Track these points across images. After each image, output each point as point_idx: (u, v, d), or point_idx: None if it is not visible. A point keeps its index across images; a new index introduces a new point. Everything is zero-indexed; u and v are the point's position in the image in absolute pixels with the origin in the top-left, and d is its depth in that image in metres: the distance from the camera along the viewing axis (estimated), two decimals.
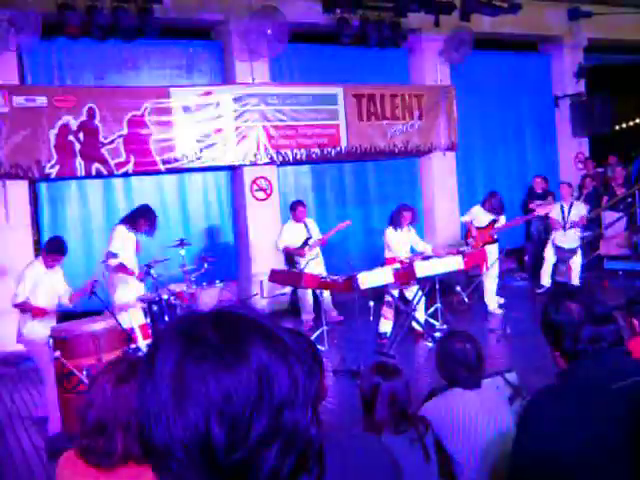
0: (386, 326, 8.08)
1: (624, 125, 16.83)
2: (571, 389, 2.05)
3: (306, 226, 8.98)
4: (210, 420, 0.84)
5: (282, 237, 8.98)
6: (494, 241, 9.34)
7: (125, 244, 7.31)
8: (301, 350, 0.94)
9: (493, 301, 9.32)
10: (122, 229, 7.37)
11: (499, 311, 9.14)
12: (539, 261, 10.52)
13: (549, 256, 10.25)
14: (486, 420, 3.05)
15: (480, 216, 9.30)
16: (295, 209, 9.01)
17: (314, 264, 8.68)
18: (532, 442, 2.00)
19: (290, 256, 9.25)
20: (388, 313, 8.07)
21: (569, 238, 10.00)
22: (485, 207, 9.28)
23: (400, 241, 8.32)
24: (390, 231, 8.33)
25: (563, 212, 10.08)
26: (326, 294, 8.79)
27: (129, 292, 7.25)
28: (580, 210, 10.09)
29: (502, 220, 9.41)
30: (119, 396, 1.87)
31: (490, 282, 9.26)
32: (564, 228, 9.97)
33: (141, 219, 7.37)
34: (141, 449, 0.91)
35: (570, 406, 1.97)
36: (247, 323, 0.93)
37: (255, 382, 0.86)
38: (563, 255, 10.16)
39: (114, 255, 7.18)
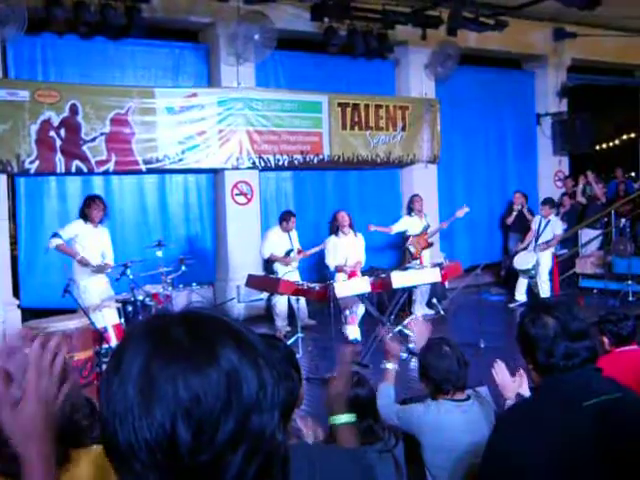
0: (354, 332, 8.15)
1: (604, 145, 17.06)
2: (542, 405, 2.06)
3: (289, 236, 8.97)
4: (177, 421, 0.83)
5: (267, 244, 8.93)
6: (430, 245, 9.98)
7: (80, 235, 7.51)
8: (271, 355, 0.93)
9: (422, 308, 9.64)
10: (79, 222, 7.60)
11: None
12: (516, 276, 10.62)
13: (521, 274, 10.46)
14: (464, 431, 3.07)
15: (413, 225, 9.76)
16: (288, 219, 8.91)
17: (291, 276, 8.67)
18: (501, 457, 2.01)
19: (270, 263, 9.18)
20: (352, 319, 8.14)
21: (524, 258, 10.26)
22: (411, 214, 9.90)
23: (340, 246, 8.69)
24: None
25: (539, 227, 10.25)
26: (302, 302, 8.79)
27: (95, 284, 7.30)
28: (556, 228, 10.23)
29: (433, 225, 10.15)
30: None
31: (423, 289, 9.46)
32: (535, 241, 10.20)
33: (87, 208, 7.54)
34: (104, 448, 0.89)
35: (540, 422, 1.98)
36: (218, 325, 0.92)
37: (224, 385, 0.85)
38: (527, 274, 10.39)
39: (54, 235, 7.45)
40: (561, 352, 2.08)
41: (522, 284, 10.42)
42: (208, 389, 0.84)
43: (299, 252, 8.94)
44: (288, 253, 8.89)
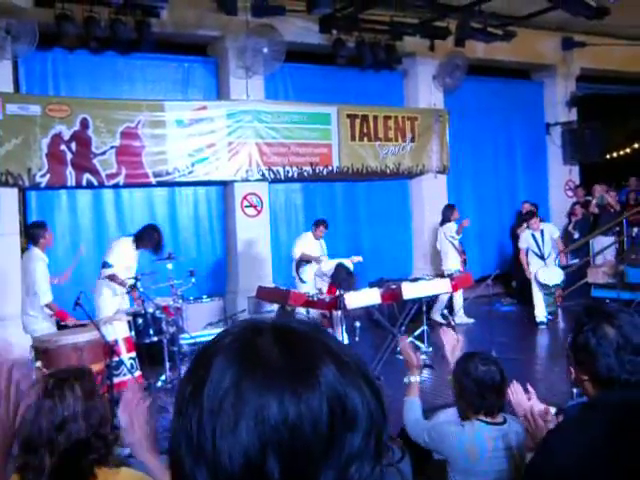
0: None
1: (614, 154, 16.98)
2: (603, 422, 1.84)
3: (320, 245, 9.09)
4: (267, 451, 0.72)
5: (299, 245, 8.99)
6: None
7: (124, 257, 7.20)
8: (372, 377, 0.82)
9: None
10: (127, 242, 7.27)
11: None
12: (528, 286, 10.51)
13: (536, 292, 9.81)
14: (502, 462, 2.91)
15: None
16: (318, 226, 9.04)
17: (304, 287, 8.67)
18: (551, 475, 1.83)
19: (302, 263, 9.00)
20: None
21: (552, 273, 9.67)
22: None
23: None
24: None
25: (536, 240, 9.75)
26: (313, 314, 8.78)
27: (113, 301, 7.20)
28: (553, 232, 9.95)
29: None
30: (41, 411, 1.82)
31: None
32: (542, 258, 9.71)
33: (145, 237, 7.24)
34: (170, 469, 0.80)
35: (598, 437, 1.79)
36: (315, 342, 0.81)
37: (326, 412, 0.74)
38: (549, 291, 9.83)
39: (109, 265, 7.14)
40: (624, 366, 1.94)
41: (541, 300, 9.78)
42: (306, 418, 0.73)
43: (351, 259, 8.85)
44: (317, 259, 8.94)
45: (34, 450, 1.80)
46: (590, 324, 2.02)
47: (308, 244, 9.00)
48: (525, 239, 9.90)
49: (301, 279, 8.87)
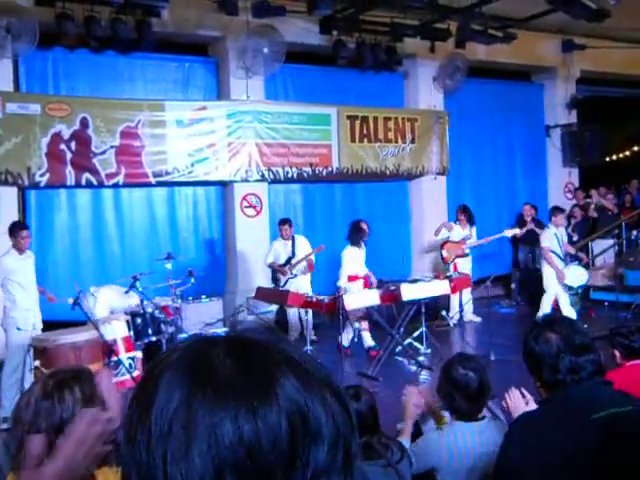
0: (369, 339, 8.23)
1: (614, 157, 17.00)
2: (551, 419, 2.03)
3: (293, 244, 8.97)
4: (224, 474, 0.67)
5: (269, 253, 9.15)
6: (465, 255, 10.14)
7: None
8: (339, 388, 0.76)
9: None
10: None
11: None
12: (527, 288, 10.51)
13: (556, 290, 9.14)
14: (486, 457, 2.95)
15: (455, 232, 9.96)
16: (280, 227, 9.05)
17: (296, 282, 8.70)
18: (509, 473, 1.99)
19: (274, 273, 9.29)
20: (365, 324, 8.16)
21: (576, 276, 9.06)
22: (456, 222, 10.10)
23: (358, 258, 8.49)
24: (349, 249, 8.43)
25: (558, 240, 9.19)
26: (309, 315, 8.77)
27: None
28: (563, 233, 9.62)
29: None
30: (39, 412, 1.81)
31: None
32: (562, 258, 9.18)
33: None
34: None
35: (547, 436, 1.96)
36: (273, 353, 0.75)
37: (286, 429, 0.69)
38: (574, 291, 9.30)
39: None
40: (566, 367, 2.07)
41: (549, 300, 9.26)
42: (264, 436, 0.68)
43: (308, 255, 8.85)
44: (288, 261, 8.91)
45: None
46: (533, 332, 2.17)
47: (277, 250, 9.05)
48: (549, 238, 9.16)
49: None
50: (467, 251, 10.20)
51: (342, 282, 8.37)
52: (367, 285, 8.52)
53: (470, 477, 2.95)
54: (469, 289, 9.55)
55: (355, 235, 8.37)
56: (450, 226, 10.34)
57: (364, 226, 8.49)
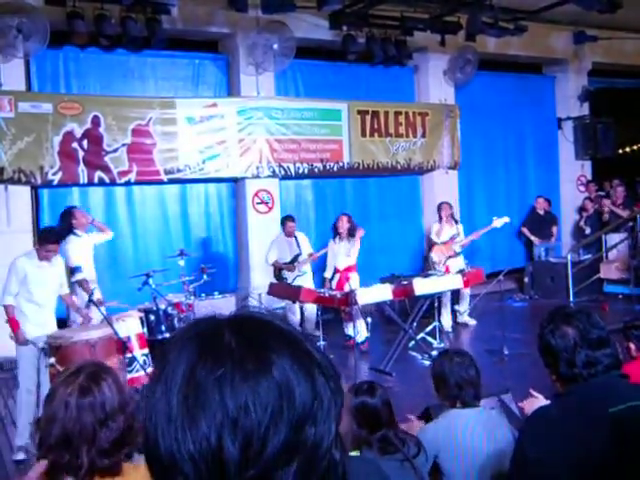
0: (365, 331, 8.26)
1: (627, 149, 16.86)
2: (566, 413, 2.03)
3: (296, 241, 8.93)
4: (223, 433, 0.76)
5: (271, 251, 8.96)
6: (456, 254, 9.49)
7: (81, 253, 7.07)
8: (330, 365, 0.85)
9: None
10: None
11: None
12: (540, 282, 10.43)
13: None
14: (485, 439, 3.01)
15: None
16: (284, 224, 8.95)
17: (301, 280, 8.66)
18: (526, 465, 1.98)
19: (279, 271, 9.03)
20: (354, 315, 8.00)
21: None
22: (441, 221, 9.56)
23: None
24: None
25: None
26: (312, 310, 8.74)
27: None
28: None
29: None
30: (83, 408, 1.82)
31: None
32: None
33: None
34: (145, 459, 0.84)
35: (564, 430, 1.95)
36: (271, 330, 0.85)
37: (275, 394, 0.78)
38: None
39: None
40: (582, 361, 2.06)
41: None
42: (257, 399, 0.78)
43: (310, 255, 8.86)
44: (296, 258, 8.84)
45: (73, 448, 1.80)
46: (550, 326, 2.16)
47: (280, 248, 8.90)
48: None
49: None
50: (458, 250, 9.52)
51: (327, 273, 8.75)
52: (341, 281, 8.30)
53: (473, 465, 2.98)
54: (467, 289, 9.15)
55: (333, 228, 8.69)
56: (438, 228, 9.66)
57: (340, 221, 8.55)
